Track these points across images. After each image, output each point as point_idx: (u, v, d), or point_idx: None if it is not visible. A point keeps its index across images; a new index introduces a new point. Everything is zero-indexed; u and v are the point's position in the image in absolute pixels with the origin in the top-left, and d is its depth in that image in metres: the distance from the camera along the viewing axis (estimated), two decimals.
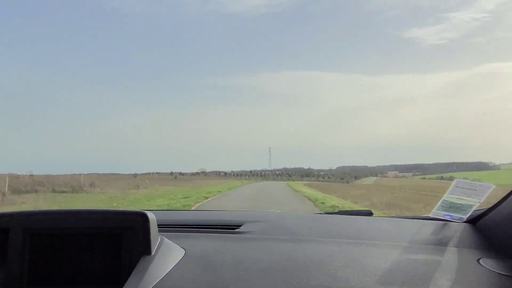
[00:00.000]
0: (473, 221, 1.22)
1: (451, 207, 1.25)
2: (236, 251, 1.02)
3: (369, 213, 1.49)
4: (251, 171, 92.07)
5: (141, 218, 0.92)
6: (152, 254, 0.90)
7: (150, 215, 0.93)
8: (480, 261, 0.97)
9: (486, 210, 1.18)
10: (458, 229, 1.17)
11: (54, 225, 0.94)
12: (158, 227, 0.98)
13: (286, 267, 0.90)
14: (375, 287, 0.83)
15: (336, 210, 1.61)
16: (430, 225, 1.22)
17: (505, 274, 0.90)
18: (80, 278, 0.92)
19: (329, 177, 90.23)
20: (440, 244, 1.09)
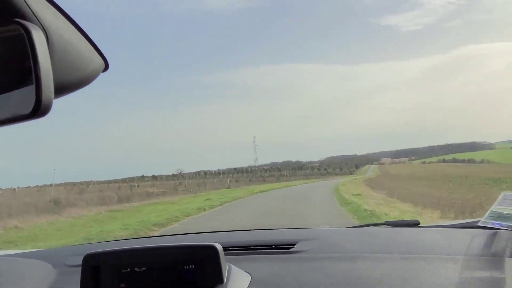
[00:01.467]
0: None
1: (500, 217, 1.32)
2: (297, 273, 1.14)
3: (416, 223, 1.57)
4: (235, 168, 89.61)
5: (211, 251, 1.05)
6: (224, 282, 1.03)
7: (219, 247, 1.05)
8: None
9: None
10: (506, 238, 1.22)
11: (137, 261, 1.09)
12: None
13: None
14: None
15: (383, 222, 1.68)
16: (481, 235, 1.27)
17: None
18: None
19: (325, 169, 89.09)
20: (494, 255, 1.15)
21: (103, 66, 0.67)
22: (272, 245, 1.41)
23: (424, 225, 1.61)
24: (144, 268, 1.08)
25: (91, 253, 1.11)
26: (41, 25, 0.54)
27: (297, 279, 1.10)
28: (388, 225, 1.62)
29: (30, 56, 0.51)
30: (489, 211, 1.36)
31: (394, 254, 1.20)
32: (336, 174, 78.49)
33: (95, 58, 0.64)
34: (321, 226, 1.79)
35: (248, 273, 1.15)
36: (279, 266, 1.21)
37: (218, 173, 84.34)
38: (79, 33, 0.60)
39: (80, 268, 1.10)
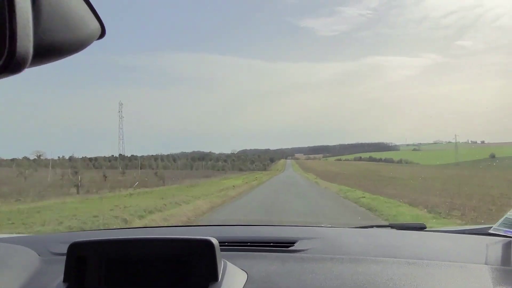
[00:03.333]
0: None
1: None
2: (297, 273, 1.12)
3: (423, 227, 1.59)
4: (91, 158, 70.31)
5: (207, 246, 1.02)
6: (219, 280, 1.00)
7: (214, 242, 1.03)
8: None
9: None
10: None
11: (127, 253, 1.05)
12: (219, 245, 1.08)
13: None
14: None
15: (387, 223, 1.72)
16: (491, 242, 1.29)
17: None
18: None
19: (233, 160, 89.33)
20: (505, 264, 1.14)
21: (99, 32, 0.62)
22: (270, 242, 1.39)
23: (430, 229, 1.63)
24: (133, 261, 1.04)
25: (77, 242, 1.07)
26: None
27: (298, 279, 1.08)
28: (392, 227, 1.64)
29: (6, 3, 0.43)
30: (503, 218, 1.37)
31: (401, 259, 1.19)
32: (242, 170, 72.20)
33: (91, 22, 0.58)
34: (323, 225, 1.78)
35: (244, 271, 1.13)
36: (278, 265, 1.19)
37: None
38: None
39: (65, 257, 1.06)
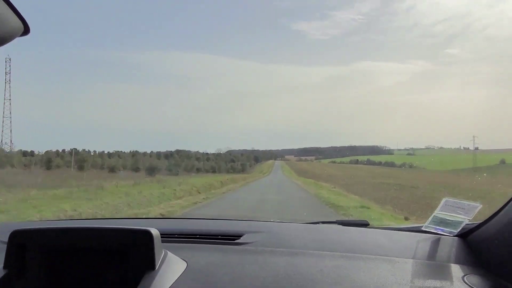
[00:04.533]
0: (464, 235, 1.41)
1: (442, 222, 1.46)
2: (236, 265, 1.21)
3: (366, 224, 1.73)
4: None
5: (146, 236, 1.08)
6: (156, 268, 1.06)
7: (155, 232, 1.09)
8: (465, 278, 1.12)
9: (478, 225, 1.35)
10: (448, 243, 1.38)
11: (66, 242, 1.11)
12: (162, 237, 1.14)
13: (280, 284, 1.09)
14: None
15: (334, 220, 1.81)
16: (423, 239, 1.43)
17: None
18: None
19: (207, 159, 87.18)
20: (430, 258, 1.28)
21: (22, 29, 0.66)
22: (218, 235, 1.46)
23: (372, 226, 1.74)
24: (73, 250, 1.10)
25: (18, 230, 1.12)
26: None
27: (235, 270, 1.16)
28: (338, 223, 1.75)
29: None
30: (431, 216, 1.50)
31: (336, 252, 1.30)
32: (214, 172, 66.19)
33: (11, 19, 0.63)
34: (272, 220, 1.84)
35: (185, 261, 1.19)
36: (219, 256, 1.26)
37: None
38: None
39: (5, 245, 1.12)
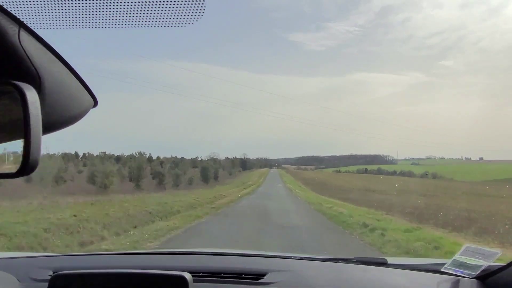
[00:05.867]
0: (483, 277, 1.47)
1: (462, 265, 1.54)
2: None
3: (384, 262, 1.78)
4: None
5: (181, 281, 1.17)
6: None
7: (188, 277, 1.19)
8: None
9: (498, 269, 1.41)
10: (467, 285, 1.45)
11: (107, 286, 1.18)
12: (191, 274, 1.23)
13: None
14: None
15: (353, 257, 1.87)
16: (443, 280, 1.51)
17: None
18: None
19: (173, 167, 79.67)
20: None
21: (92, 103, 0.72)
22: (242, 274, 1.55)
23: (391, 263, 1.79)
24: None
25: (59, 274, 1.18)
26: (35, 70, 0.59)
27: None
28: (357, 261, 1.81)
29: (23, 116, 0.56)
30: (452, 259, 1.58)
31: None
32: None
33: (85, 96, 0.70)
34: (293, 256, 1.93)
35: None
36: None
37: None
38: (71, 73, 0.66)
39: (45, 284, 1.17)
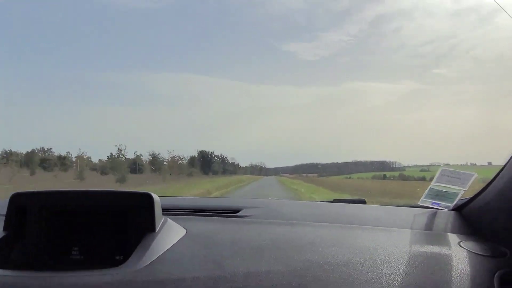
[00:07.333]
0: (459, 208, 1.49)
1: (438, 195, 1.54)
2: (234, 232, 1.29)
3: (363, 202, 1.81)
4: None
5: (147, 198, 1.16)
6: (156, 231, 1.13)
7: (155, 196, 1.17)
8: (461, 243, 1.21)
9: (471, 198, 1.44)
10: (444, 216, 1.47)
11: (67, 204, 1.18)
12: (162, 210, 1.22)
13: (279, 246, 1.16)
14: (360, 262, 1.06)
15: (331, 199, 1.89)
16: (420, 213, 1.52)
17: (482, 254, 1.15)
18: (91, 252, 1.15)
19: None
20: (427, 229, 1.37)
21: None
22: (216, 210, 1.55)
23: (370, 204, 1.83)
24: (73, 212, 1.17)
25: (18, 192, 1.19)
26: None
27: (234, 236, 1.23)
28: (335, 201, 1.84)
29: None
30: (428, 189, 1.57)
31: (334, 223, 1.38)
32: None
33: None
34: (270, 198, 2.02)
35: (184, 228, 1.26)
36: (219, 226, 1.35)
37: None
38: None
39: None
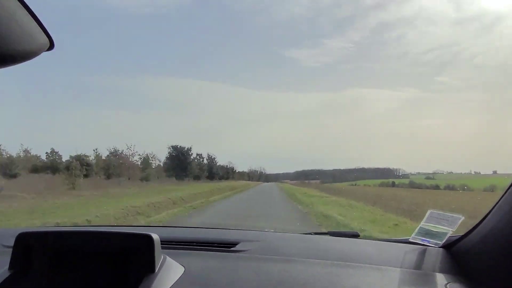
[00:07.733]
0: (448, 246, 1.55)
1: (428, 233, 1.62)
2: (231, 270, 1.36)
3: (356, 235, 1.89)
4: None
5: (147, 240, 1.20)
6: (155, 272, 1.18)
7: (155, 237, 1.23)
8: (448, 285, 1.26)
9: (461, 236, 1.49)
10: (434, 254, 1.53)
11: (70, 244, 1.22)
12: (161, 243, 1.28)
13: (275, 287, 1.23)
14: None
15: (326, 231, 1.96)
16: (410, 250, 1.59)
17: None
18: None
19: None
20: (417, 268, 1.42)
21: (48, 45, 0.70)
22: (214, 243, 1.62)
23: (363, 237, 1.91)
24: (76, 252, 1.21)
25: (24, 232, 1.23)
26: None
27: (231, 275, 1.31)
28: (330, 234, 1.90)
29: None
30: (418, 228, 1.65)
31: (328, 260, 1.46)
32: None
33: (38, 34, 0.67)
34: (266, 230, 2.00)
35: (183, 266, 1.33)
36: (216, 262, 1.42)
37: None
38: (23, 8, 0.63)
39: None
